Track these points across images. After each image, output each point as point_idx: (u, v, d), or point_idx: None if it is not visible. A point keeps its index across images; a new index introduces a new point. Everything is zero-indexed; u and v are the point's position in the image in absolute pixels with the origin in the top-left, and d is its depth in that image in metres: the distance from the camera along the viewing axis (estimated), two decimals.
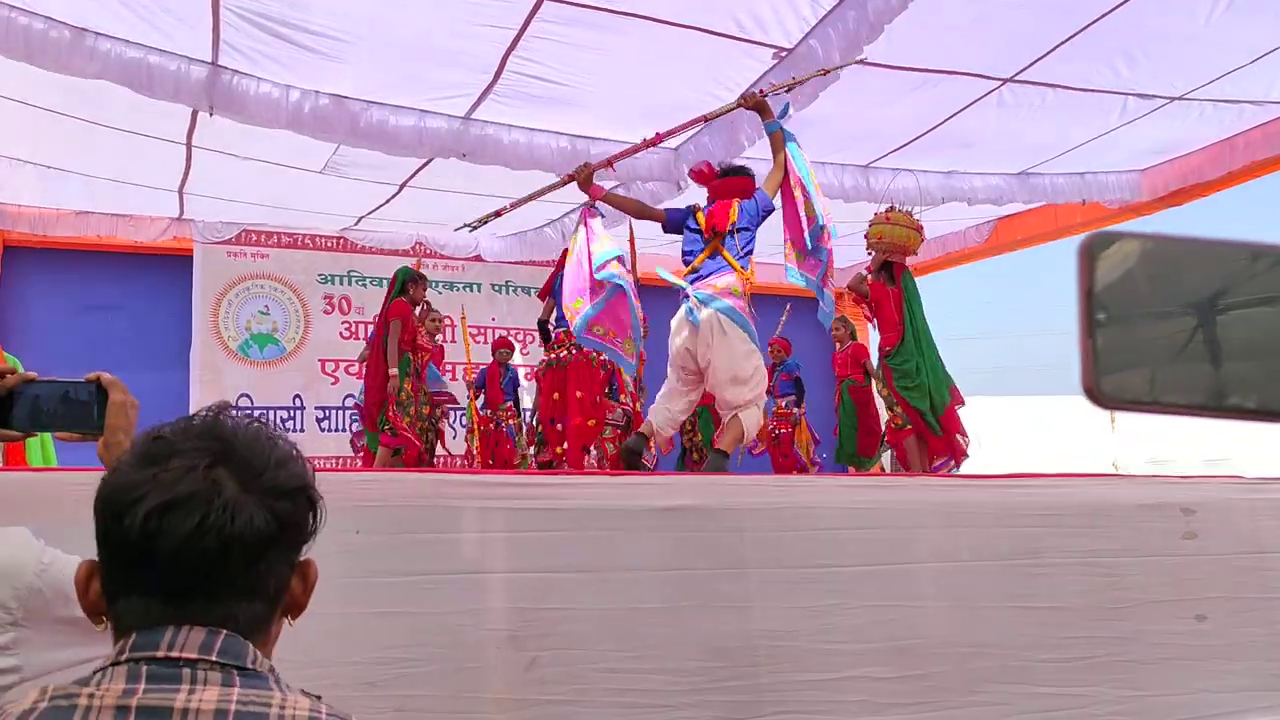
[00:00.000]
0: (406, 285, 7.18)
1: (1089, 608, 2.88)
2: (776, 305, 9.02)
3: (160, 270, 9.60)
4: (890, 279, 6.28)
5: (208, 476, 0.91)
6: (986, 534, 2.89)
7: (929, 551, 2.81)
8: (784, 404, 8.78)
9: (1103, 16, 5.24)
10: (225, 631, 0.90)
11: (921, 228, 6.41)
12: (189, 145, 6.85)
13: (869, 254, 6.53)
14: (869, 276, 6.44)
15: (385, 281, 10.32)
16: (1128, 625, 2.90)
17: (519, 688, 2.36)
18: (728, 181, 4.97)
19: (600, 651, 2.43)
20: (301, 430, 9.70)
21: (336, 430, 9.99)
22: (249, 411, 1.07)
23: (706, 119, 5.45)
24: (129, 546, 0.90)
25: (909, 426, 6.21)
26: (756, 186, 4.94)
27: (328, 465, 8.51)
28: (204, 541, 0.88)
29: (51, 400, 1.56)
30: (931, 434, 6.12)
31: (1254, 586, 3.05)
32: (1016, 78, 6.03)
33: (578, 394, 6.31)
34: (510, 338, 9.25)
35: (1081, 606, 2.87)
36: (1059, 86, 6.15)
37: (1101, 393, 0.75)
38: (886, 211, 6.41)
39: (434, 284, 9.74)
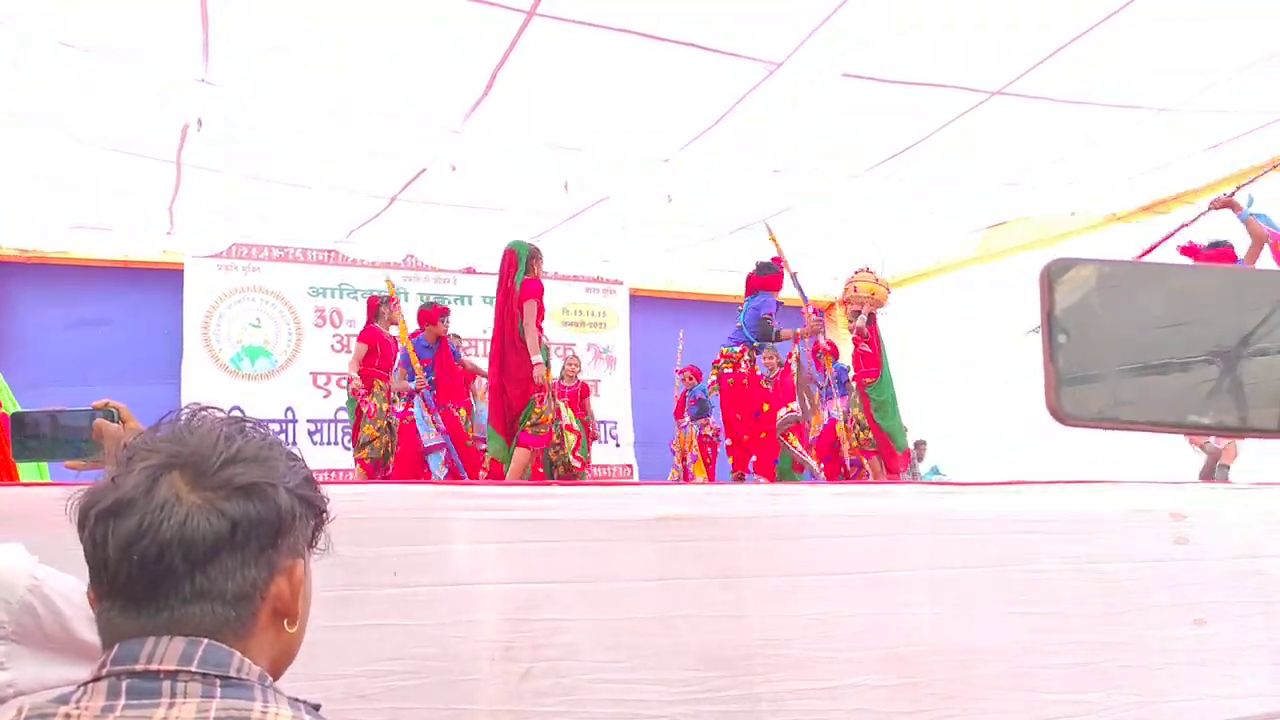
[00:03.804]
0: (531, 263, 6.16)
1: (1087, 613, 2.89)
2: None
3: (151, 284, 9.59)
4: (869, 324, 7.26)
5: (153, 479, 0.89)
6: (980, 540, 2.90)
7: (924, 559, 2.81)
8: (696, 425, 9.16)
9: (1089, 30, 5.29)
10: (207, 640, 0.87)
11: (888, 285, 7.45)
12: (179, 162, 6.85)
13: (845, 307, 7.55)
14: (859, 322, 7.33)
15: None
16: (1128, 630, 2.90)
17: (513, 699, 2.36)
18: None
19: (595, 662, 2.43)
20: (294, 443, 9.64)
21: (329, 443, 9.98)
22: (249, 419, 1.03)
23: (1185, 226, 6.03)
24: (88, 555, 0.90)
25: (874, 448, 7.18)
26: None
27: (320, 478, 8.47)
28: (141, 545, 0.86)
29: (55, 428, 1.57)
30: (891, 455, 7.16)
31: (1251, 591, 3.06)
32: (1004, 90, 6.08)
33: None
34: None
35: (1079, 612, 2.88)
36: (1046, 99, 6.20)
37: (1065, 412, 0.78)
38: (861, 271, 7.32)
39: (424, 296, 9.76)
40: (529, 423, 5.90)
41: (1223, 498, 3.32)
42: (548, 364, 6.05)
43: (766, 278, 7.00)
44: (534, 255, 6.17)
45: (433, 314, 7.15)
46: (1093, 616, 2.88)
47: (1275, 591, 3.08)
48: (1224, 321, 0.80)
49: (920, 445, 11.74)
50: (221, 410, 1.00)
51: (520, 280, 6.03)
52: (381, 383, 7.02)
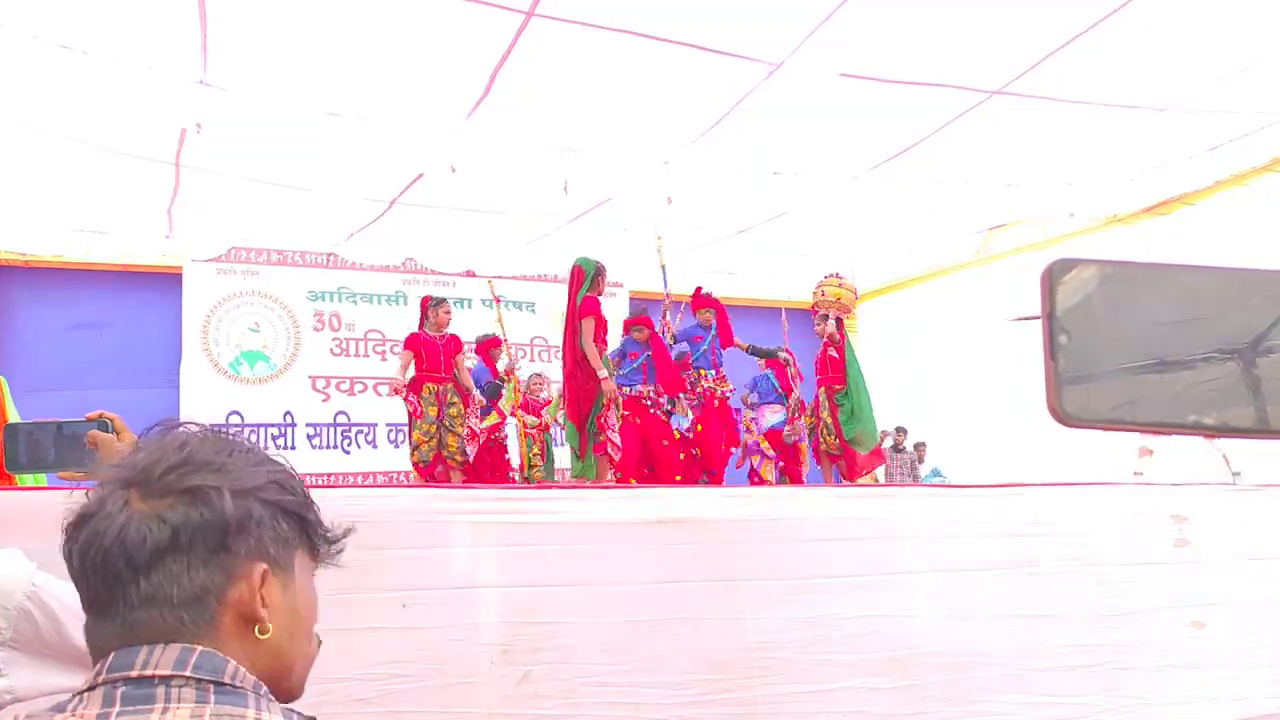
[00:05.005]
0: (597, 279, 6.39)
1: (1085, 615, 2.88)
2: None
3: (150, 288, 9.58)
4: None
5: (108, 493, 0.92)
6: (979, 543, 2.89)
7: (922, 561, 2.81)
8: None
9: (1090, 29, 5.29)
10: (201, 648, 0.88)
11: (855, 290, 7.75)
12: (177, 164, 6.85)
13: (815, 313, 7.58)
14: (827, 326, 7.42)
15: (377, 298, 10.42)
16: (1126, 633, 2.90)
17: (512, 702, 2.35)
18: None
19: (593, 665, 2.42)
20: (292, 447, 9.68)
21: (328, 447, 9.97)
22: (227, 427, 1.04)
23: None
24: (69, 570, 0.93)
25: (839, 453, 7.34)
26: None
27: (318, 482, 8.49)
28: (90, 554, 0.89)
29: (48, 439, 1.56)
30: (852, 461, 7.30)
31: (1250, 593, 3.06)
32: (1004, 90, 6.08)
33: None
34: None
35: (1078, 614, 2.87)
36: (1046, 98, 6.20)
37: (1065, 412, 0.77)
38: (829, 277, 7.53)
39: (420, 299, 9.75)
40: (593, 435, 6.15)
41: (1223, 500, 3.32)
42: (611, 374, 6.26)
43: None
44: (599, 272, 6.41)
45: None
46: (1092, 619, 2.88)
47: (1275, 594, 3.08)
48: (1230, 321, 0.80)
49: (920, 447, 11.75)
50: (198, 423, 1.01)
51: (582, 297, 6.26)
52: (432, 385, 7.00)
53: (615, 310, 11.54)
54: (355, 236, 9.37)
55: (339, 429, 10.03)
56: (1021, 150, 7.22)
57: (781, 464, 7.79)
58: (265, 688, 0.91)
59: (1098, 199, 8.29)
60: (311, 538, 1.03)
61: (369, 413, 10.14)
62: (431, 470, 7.02)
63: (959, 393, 10.53)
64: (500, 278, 10.70)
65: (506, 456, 8.09)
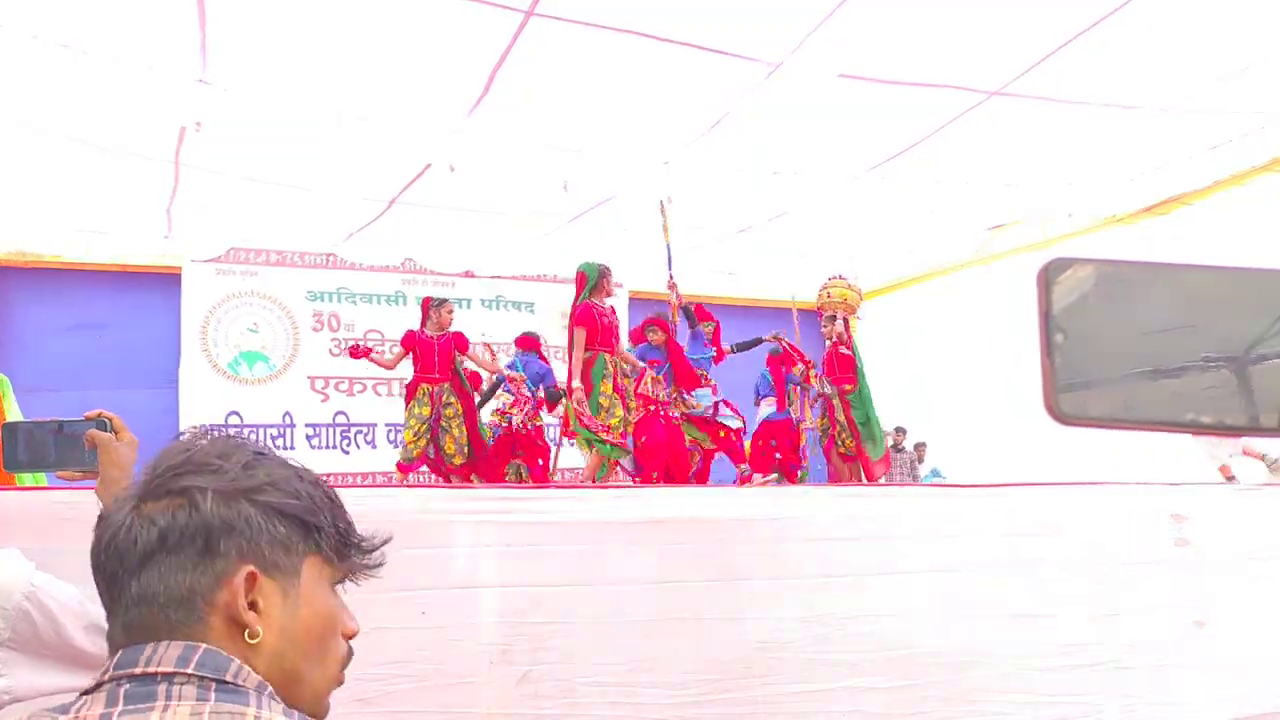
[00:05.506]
0: (601, 281, 6.35)
1: (1086, 615, 2.88)
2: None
3: (149, 288, 9.58)
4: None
5: (127, 496, 0.95)
6: (979, 543, 2.89)
7: (922, 561, 2.80)
8: None
9: (1090, 28, 5.28)
10: (205, 645, 0.87)
11: (860, 291, 7.68)
12: (176, 163, 6.85)
13: (820, 314, 7.53)
14: (836, 327, 7.40)
15: (376, 298, 10.41)
16: (1126, 632, 2.89)
17: (511, 702, 2.35)
18: None
19: (593, 665, 2.42)
20: (291, 448, 9.66)
21: (326, 448, 9.96)
22: (227, 429, 1.04)
23: None
24: None
25: (853, 455, 7.37)
26: None
27: None
28: (96, 555, 0.94)
29: (47, 438, 1.56)
30: (866, 465, 7.36)
31: (1251, 593, 3.06)
32: (1004, 90, 6.08)
33: None
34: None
35: (1078, 614, 2.87)
36: (1045, 99, 6.20)
37: (1061, 411, 0.77)
38: (835, 278, 7.50)
39: (421, 299, 9.75)
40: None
41: (1223, 499, 3.31)
42: (627, 375, 6.29)
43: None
44: (603, 275, 6.35)
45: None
46: (1093, 618, 2.88)
47: (1275, 594, 3.08)
48: (1226, 320, 0.80)
49: (920, 447, 11.74)
50: (211, 428, 1.02)
51: (579, 303, 6.23)
52: (427, 386, 6.93)
53: (616, 309, 11.59)
54: (354, 236, 9.37)
55: (338, 429, 10.02)
56: (1021, 150, 7.22)
57: (779, 455, 7.78)
58: (270, 688, 0.90)
59: (1097, 199, 8.29)
60: (320, 544, 0.99)
61: (368, 413, 10.14)
62: (413, 469, 6.96)
63: (959, 392, 10.53)
64: (500, 278, 10.71)
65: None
